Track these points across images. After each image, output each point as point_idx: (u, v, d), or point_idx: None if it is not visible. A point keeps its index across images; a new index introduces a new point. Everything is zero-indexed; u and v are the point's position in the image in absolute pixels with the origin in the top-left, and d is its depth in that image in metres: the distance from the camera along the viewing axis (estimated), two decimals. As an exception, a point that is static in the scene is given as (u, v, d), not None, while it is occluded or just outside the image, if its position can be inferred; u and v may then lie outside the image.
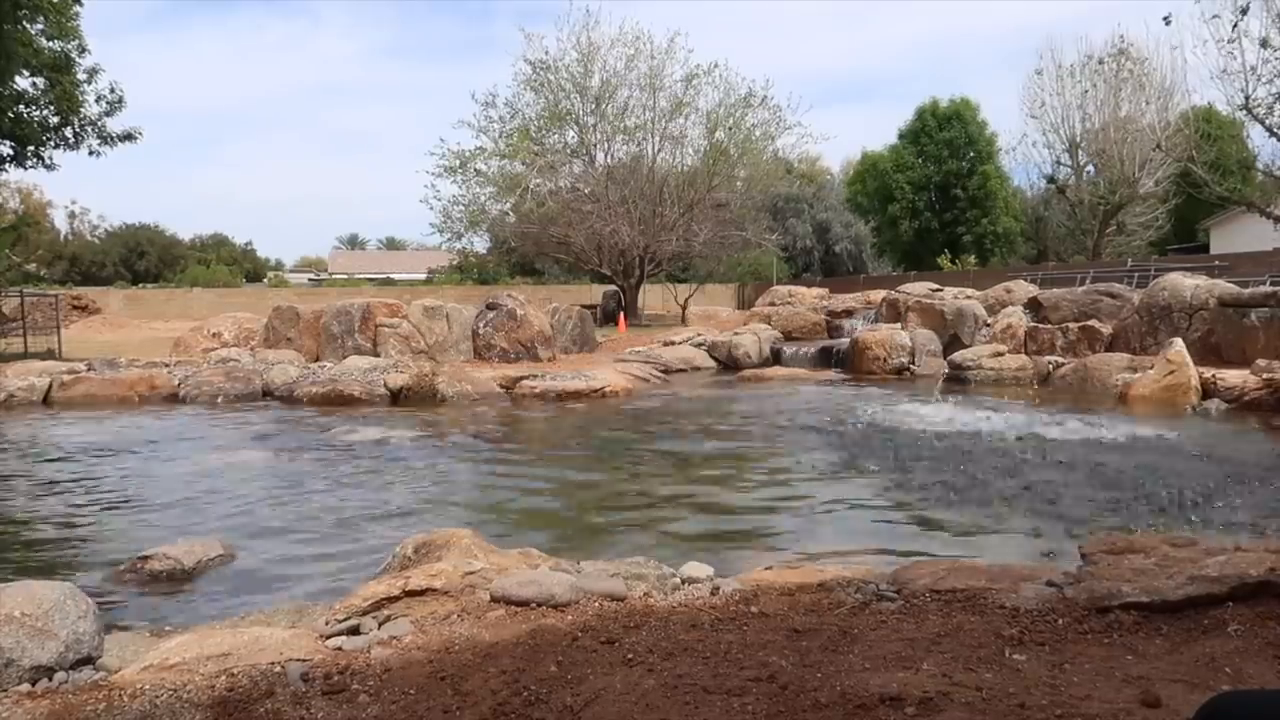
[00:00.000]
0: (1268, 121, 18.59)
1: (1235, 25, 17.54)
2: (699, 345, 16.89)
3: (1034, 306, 14.60)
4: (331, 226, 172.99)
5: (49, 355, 15.88)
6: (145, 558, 4.21)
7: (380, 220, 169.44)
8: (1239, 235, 27.39)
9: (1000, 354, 13.06)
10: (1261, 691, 1.14)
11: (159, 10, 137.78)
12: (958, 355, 13.34)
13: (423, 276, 56.53)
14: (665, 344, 17.02)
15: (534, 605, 2.91)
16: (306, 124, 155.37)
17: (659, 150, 26.95)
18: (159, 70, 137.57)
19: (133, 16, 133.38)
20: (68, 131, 19.98)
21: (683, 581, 3.27)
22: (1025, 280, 17.86)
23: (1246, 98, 18.33)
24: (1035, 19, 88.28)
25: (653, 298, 31.35)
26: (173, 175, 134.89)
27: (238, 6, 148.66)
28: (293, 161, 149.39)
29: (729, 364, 15.89)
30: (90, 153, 20.47)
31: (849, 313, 18.47)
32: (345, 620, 2.87)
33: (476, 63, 67.09)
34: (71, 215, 66.29)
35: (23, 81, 19.15)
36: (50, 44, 19.17)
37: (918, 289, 17.00)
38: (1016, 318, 14.36)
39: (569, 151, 26.98)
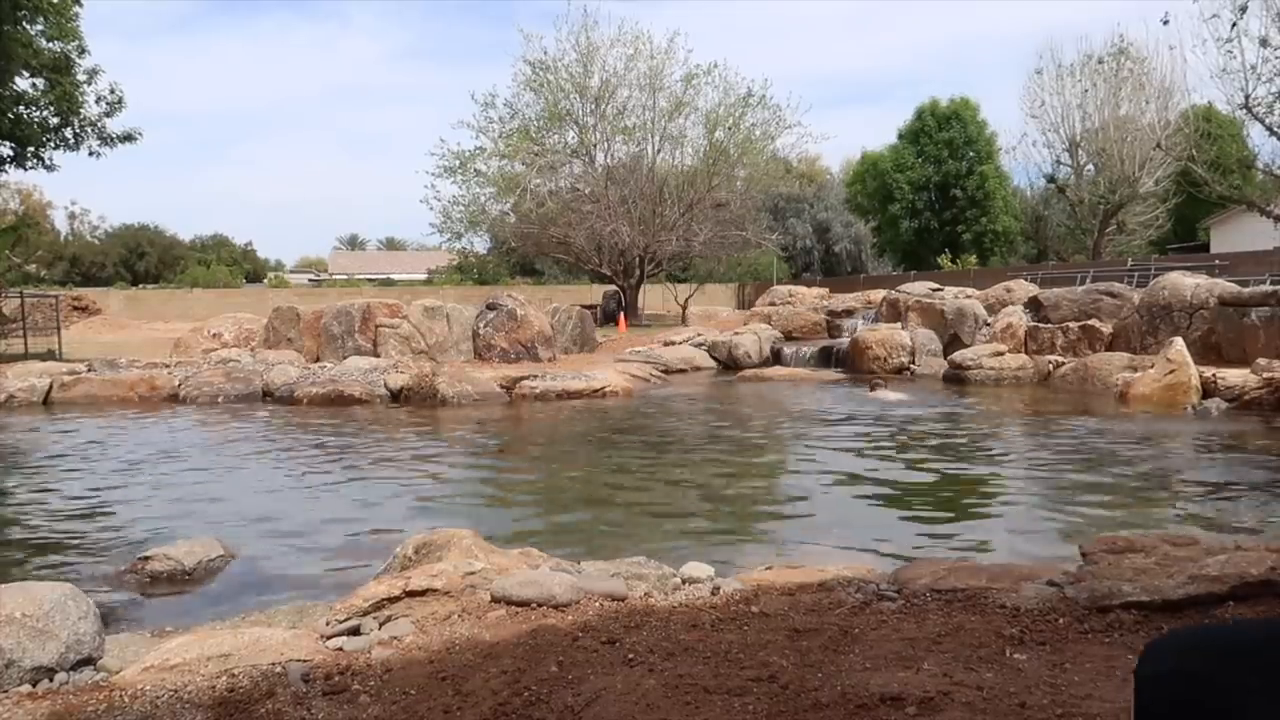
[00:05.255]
0: (1268, 120, 18.57)
1: (1234, 25, 17.52)
2: (699, 345, 16.89)
3: (1034, 306, 14.60)
4: (332, 227, 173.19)
5: (49, 356, 15.88)
6: (146, 558, 4.21)
7: (380, 220, 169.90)
8: (1239, 234, 27.38)
9: (1000, 353, 13.06)
10: (1183, 629, 1.16)
11: (188, 13, 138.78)
12: (958, 355, 13.34)
13: (423, 277, 56.54)
14: (665, 344, 17.01)
15: (534, 605, 2.91)
16: (322, 126, 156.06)
17: (659, 150, 26.97)
18: (185, 74, 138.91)
19: (162, 20, 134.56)
20: (68, 132, 19.98)
21: (683, 581, 3.27)
22: (1025, 280, 17.84)
23: (1246, 97, 18.30)
24: (1039, 21, 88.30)
25: (653, 298, 31.34)
26: (175, 176, 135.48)
27: (266, 10, 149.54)
28: (299, 163, 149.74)
29: (729, 364, 15.89)
30: (90, 153, 20.51)
31: (849, 312, 18.47)
32: (346, 621, 2.87)
33: (497, 66, 67.30)
34: (71, 216, 66.40)
35: (23, 82, 19.18)
36: (50, 45, 19.17)
37: (918, 289, 16.99)
38: (1017, 317, 14.36)
39: (569, 151, 26.97)
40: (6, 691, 2.39)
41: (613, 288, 28.12)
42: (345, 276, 60.50)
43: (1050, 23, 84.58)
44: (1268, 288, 12.82)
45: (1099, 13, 66.18)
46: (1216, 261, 21.18)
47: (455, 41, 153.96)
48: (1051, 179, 33.29)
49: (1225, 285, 12.21)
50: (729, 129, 26.22)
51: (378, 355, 13.91)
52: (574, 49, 25.81)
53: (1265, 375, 9.26)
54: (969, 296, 15.71)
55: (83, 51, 19.73)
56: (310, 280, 63.90)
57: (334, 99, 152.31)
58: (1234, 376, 9.59)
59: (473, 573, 3.11)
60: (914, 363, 14.14)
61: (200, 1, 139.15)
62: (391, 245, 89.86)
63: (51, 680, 2.48)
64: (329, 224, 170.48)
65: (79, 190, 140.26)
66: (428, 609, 2.91)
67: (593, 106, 26.13)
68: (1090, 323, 13.22)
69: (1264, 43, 17.82)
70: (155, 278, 60.69)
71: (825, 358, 15.64)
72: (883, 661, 2.42)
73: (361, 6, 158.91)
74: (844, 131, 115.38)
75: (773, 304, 20.00)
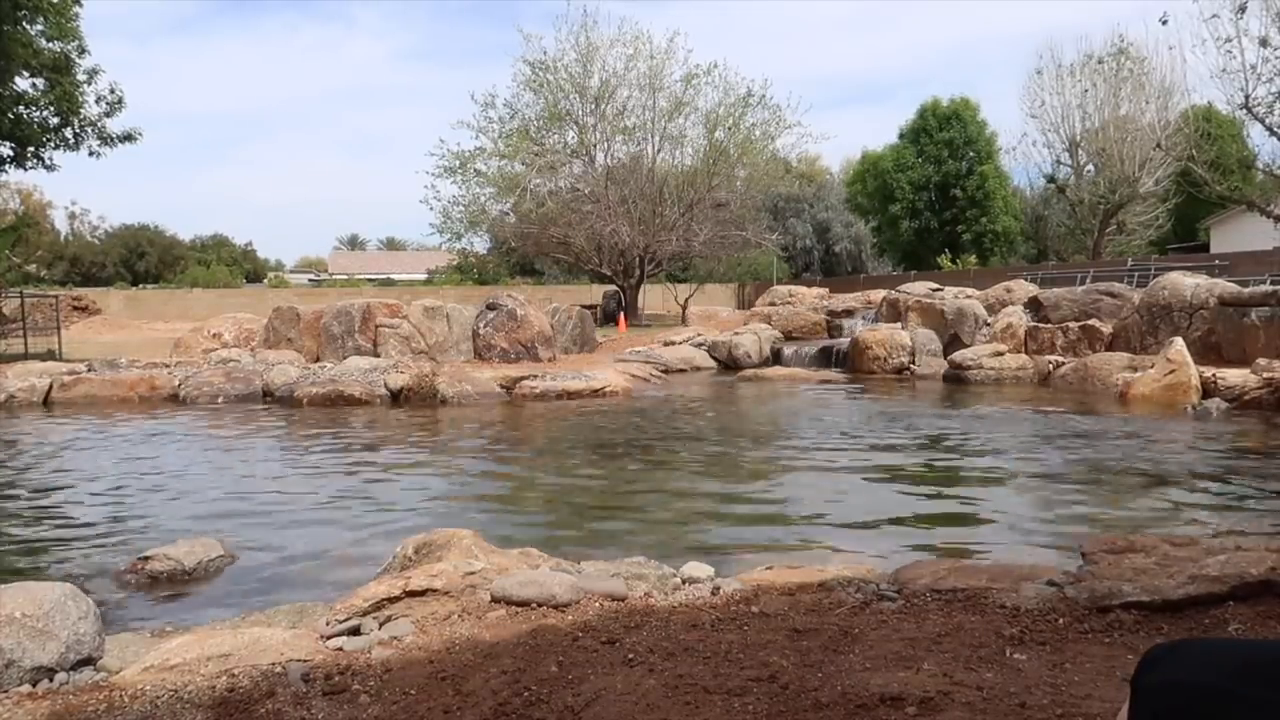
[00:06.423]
0: (1267, 120, 18.58)
1: (1243, 7, 17.53)
2: (699, 345, 16.89)
3: (1034, 306, 14.60)
4: (332, 227, 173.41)
5: (49, 356, 15.88)
6: (146, 558, 4.21)
7: (380, 220, 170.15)
8: (1239, 234, 27.39)
9: (1000, 353, 13.05)
10: (1195, 640, 1.12)
11: (193, 14, 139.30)
12: (958, 355, 13.34)
13: (423, 277, 56.61)
14: (665, 344, 17.01)
15: (534, 605, 2.91)
16: (323, 126, 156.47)
17: (659, 150, 26.98)
18: (188, 74, 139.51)
19: (166, 20, 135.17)
20: (68, 132, 19.99)
21: (683, 581, 3.27)
22: (1025, 280, 17.85)
23: (1246, 97, 18.32)
24: (1039, 21, 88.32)
25: (653, 298, 31.35)
26: (175, 176, 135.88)
27: (271, 11, 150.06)
28: (299, 163, 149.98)
29: (729, 364, 15.89)
30: (90, 153, 20.52)
31: (849, 312, 18.47)
32: (346, 621, 2.87)
33: (499, 66, 67.63)
34: (72, 216, 66.45)
35: (23, 82, 19.18)
36: (50, 45, 19.17)
37: (918, 289, 16.99)
38: (1017, 317, 14.36)
39: (569, 151, 26.97)
40: (6, 691, 2.39)
41: (613, 288, 28.12)
42: (345, 276, 60.53)
43: (1050, 23, 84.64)
44: (1268, 288, 12.82)
45: (1099, 13, 66.28)
46: (1216, 261, 21.18)
47: (459, 42, 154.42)
48: (1051, 179, 33.31)
49: (1225, 285, 12.20)
50: (729, 129, 26.22)
51: (378, 355, 13.91)
52: (574, 49, 25.85)
53: (1265, 375, 9.26)
54: (969, 296, 15.71)
55: (83, 51, 19.74)
56: (310, 280, 63.93)
57: (336, 99, 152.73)
58: (1234, 376, 9.59)
59: (473, 573, 3.11)
60: (914, 363, 14.14)
61: (205, 2, 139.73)
62: (391, 245, 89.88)
63: (51, 680, 2.48)
64: (329, 224, 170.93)
65: (79, 190, 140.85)
66: (428, 609, 2.91)
67: (592, 106, 26.13)
68: (1090, 323, 13.22)
69: (1264, 43, 17.84)
70: (155, 278, 60.72)
71: (825, 358, 15.64)
72: (883, 661, 2.42)
73: (366, 7, 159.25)
74: (844, 131, 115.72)
75: (773, 304, 20.00)
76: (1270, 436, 7.87)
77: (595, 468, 7.00)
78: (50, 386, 11.64)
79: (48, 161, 20.15)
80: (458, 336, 14.64)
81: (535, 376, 11.92)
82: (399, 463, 7.23)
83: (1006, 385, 12.29)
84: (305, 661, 2.52)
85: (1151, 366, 10.33)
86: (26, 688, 2.42)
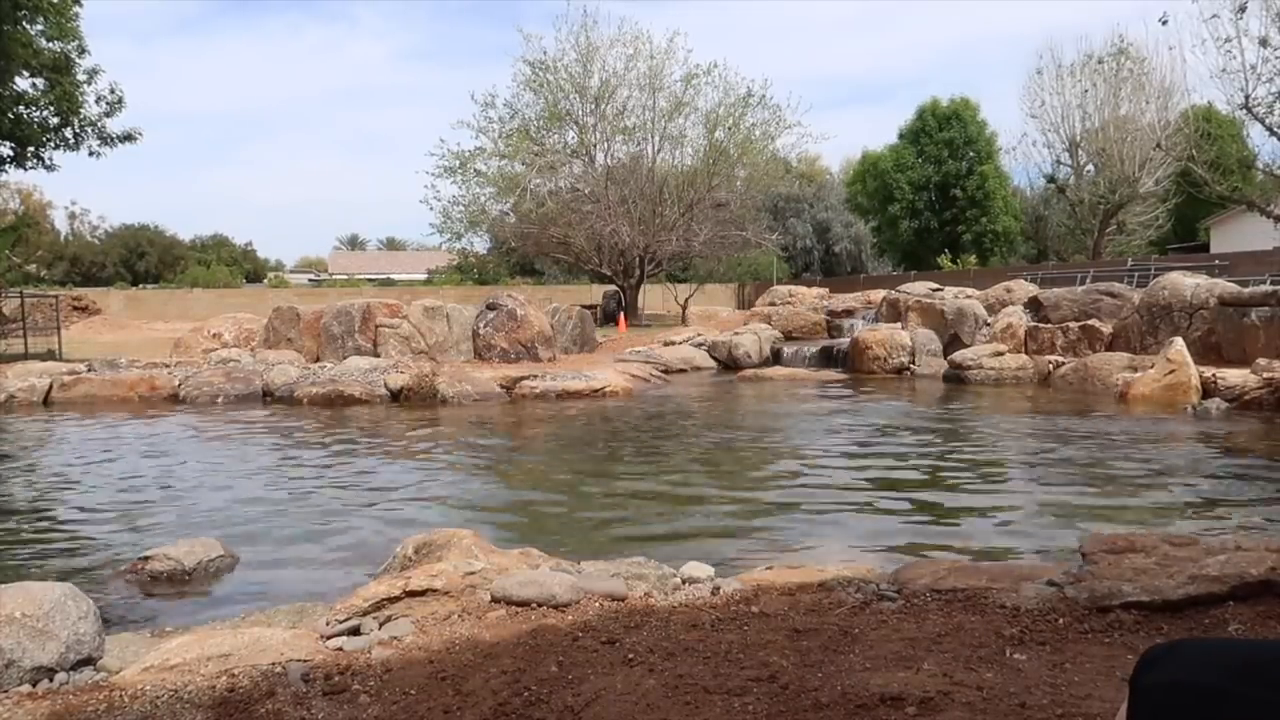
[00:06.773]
0: (1267, 120, 18.57)
1: (1243, 7, 17.53)
2: (699, 345, 16.89)
3: (1034, 306, 14.60)
4: (332, 227, 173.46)
5: (49, 356, 15.88)
6: (146, 558, 4.21)
7: (380, 220, 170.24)
8: (1239, 234, 27.38)
9: (1000, 353, 13.05)
10: (1193, 640, 1.13)
11: (196, 14, 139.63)
12: (958, 355, 13.33)
13: (423, 277, 56.63)
14: (665, 344, 17.01)
15: (535, 605, 2.91)
16: (324, 126, 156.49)
17: (659, 150, 26.98)
18: (190, 74, 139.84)
19: (169, 20, 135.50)
20: (68, 132, 19.99)
21: (683, 581, 3.27)
22: (1025, 280, 17.84)
23: (1246, 97, 18.31)
24: (1039, 21, 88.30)
25: (653, 298, 31.34)
26: (175, 176, 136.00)
27: (274, 11, 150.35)
28: (300, 163, 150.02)
29: (729, 364, 15.89)
30: (90, 153, 20.53)
31: (849, 312, 18.47)
32: (346, 621, 2.87)
33: (500, 66, 68.14)
34: (72, 216, 66.48)
35: (23, 82, 19.19)
36: (50, 45, 19.17)
37: (918, 289, 16.99)
38: (1017, 317, 14.36)
39: (569, 151, 26.96)
40: (6, 691, 2.39)
41: (613, 288, 28.12)
42: (345, 276, 60.53)
43: (1050, 23, 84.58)
44: (1268, 288, 12.82)
45: (1099, 13, 66.32)
46: (1216, 261, 21.17)
47: (459, 42, 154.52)
48: (1051, 179, 33.31)
49: (1225, 285, 12.20)
50: (729, 129, 26.22)
51: (378, 355, 13.91)
52: (574, 49, 25.85)
53: (1265, 375, 9.26)
54: (969, 296, 15.71)
55: (83, 51, 19.74)
56: (310, 280, 63.94)
57: (337, 99, 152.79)
58: (1234, 376, 9.58)
59: (473, 573, 3.11)
60: (914, 363, 14.14)
61: (208, 2, 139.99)
62: (391, 245, 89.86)
63: (51, 680, 2.48)
64: (329, 224, 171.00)
65: (79, 190, 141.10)
66: (428, 609, 2.91)
67: (592, 106, 26.13)
68: (1090, 323, 13.22)
69: (1264, 43, 17.83)
70: (155, 278, 60.74)
71: (825, 358, 15.64)
72: (883, 661, 2.42)
73: (368, 7, 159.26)
74: (844, 131, 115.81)
75: (773, 304, 20.00)
76: (1270, 436, 7.87)
77: (595, 467, 7.00)
78: (50, 386, 11.64)
79: (48, 161, 20.18)
80: (458, 336, 14.64)
81: (535, 376, 11.92)
82: (399, 463, 7.23)
83: (1006, 385, 12.29)
84: (305, 661, 2.52)
85: (1151, 366, 10.33)
86: (26, 688, 2.42)
